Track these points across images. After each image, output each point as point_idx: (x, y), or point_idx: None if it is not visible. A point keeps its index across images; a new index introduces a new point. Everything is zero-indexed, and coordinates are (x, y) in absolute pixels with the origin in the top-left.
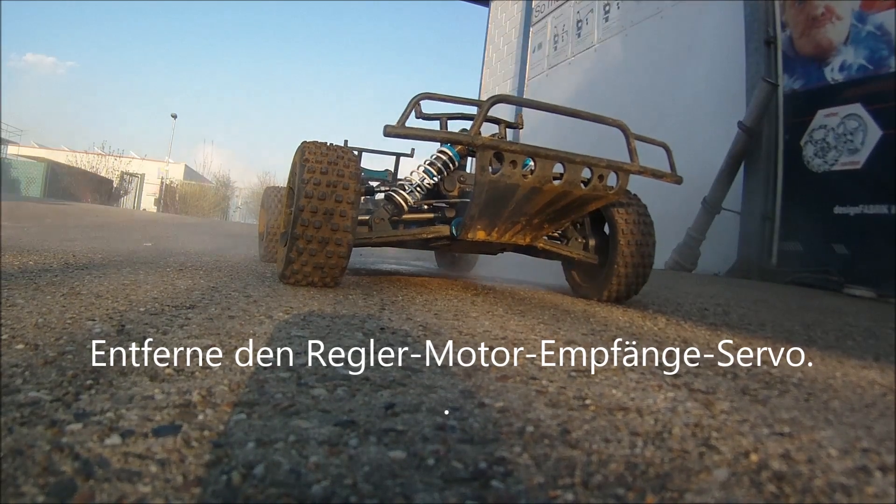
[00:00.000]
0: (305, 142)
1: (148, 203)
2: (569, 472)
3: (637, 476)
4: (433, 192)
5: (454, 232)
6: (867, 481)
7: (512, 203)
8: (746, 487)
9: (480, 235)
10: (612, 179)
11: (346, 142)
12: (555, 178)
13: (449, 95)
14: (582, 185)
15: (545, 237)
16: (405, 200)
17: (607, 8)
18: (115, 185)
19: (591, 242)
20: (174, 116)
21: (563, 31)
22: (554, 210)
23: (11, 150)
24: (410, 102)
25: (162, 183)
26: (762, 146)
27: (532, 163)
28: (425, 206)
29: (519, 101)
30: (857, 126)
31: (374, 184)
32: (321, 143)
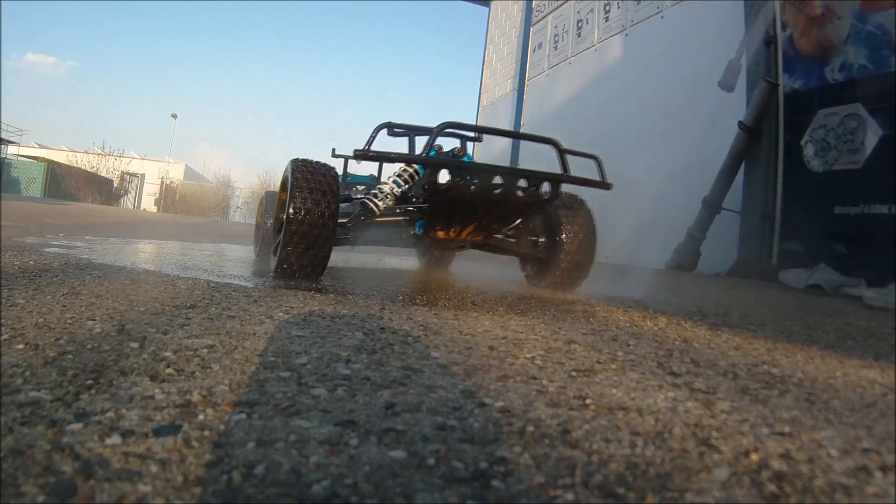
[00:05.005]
0: (294, 158)
1: (148, 203)
2: (569, 472)
3: (637, 476)
4: (402, 199)
5: (419, 231)
6: (867, 481)
7: (462, 209)
8: (747, 487)
9: (440, 234)
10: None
11: (333, 150)
12: (499, 188)
13: (407, 124)
14: (520, 192)
15: (498, 235)
16: (377, 206)
17: (607, 8)
18: (115, 185)
19: (542, 240)
20: (174, 116)
21: (563, 30)
22: (498, 213)
23: (11, 150)
24: (374, 131)
25: (162, 183)
26: (762, 146)
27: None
28: (397, 210)
29: (463, 126)
30: (857, 126)
31: (361, 187)
32: (307, 159)
